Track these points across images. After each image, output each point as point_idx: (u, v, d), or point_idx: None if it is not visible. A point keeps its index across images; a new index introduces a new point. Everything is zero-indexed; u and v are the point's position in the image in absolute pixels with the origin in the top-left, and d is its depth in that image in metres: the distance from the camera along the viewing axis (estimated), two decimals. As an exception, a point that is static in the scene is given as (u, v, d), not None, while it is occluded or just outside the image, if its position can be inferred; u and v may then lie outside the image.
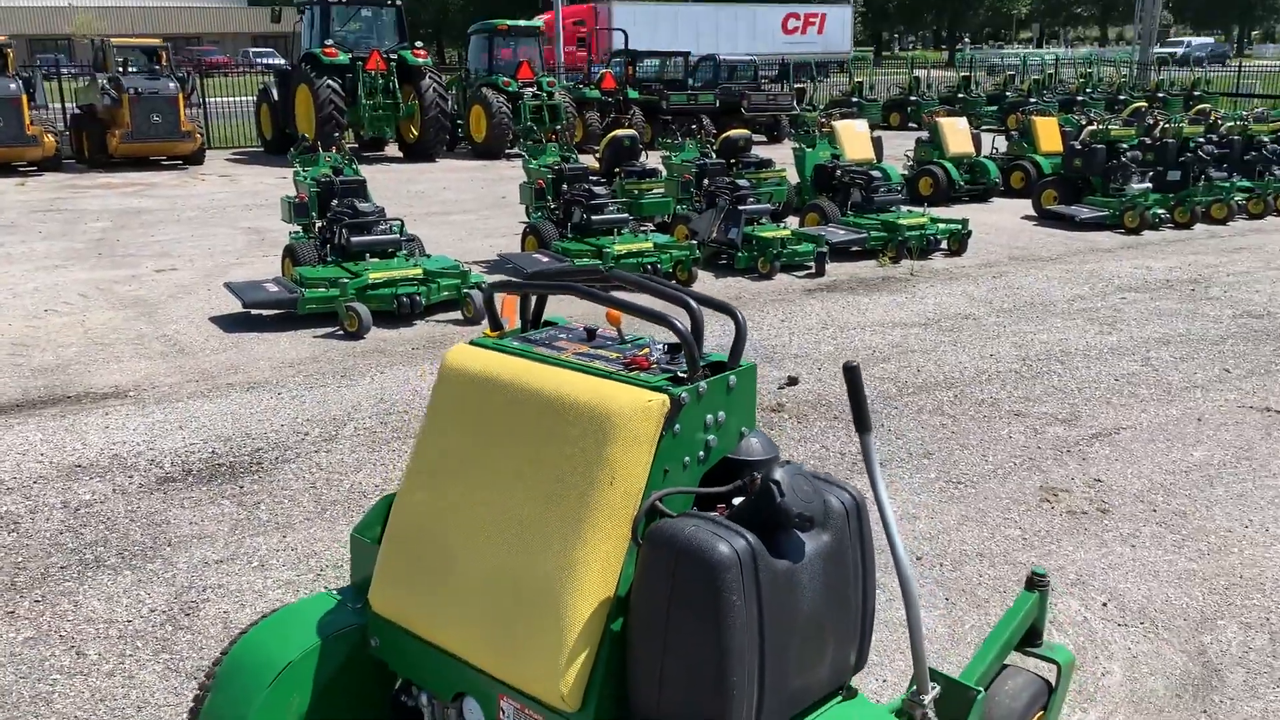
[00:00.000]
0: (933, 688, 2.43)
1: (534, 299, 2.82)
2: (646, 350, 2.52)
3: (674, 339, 2.55)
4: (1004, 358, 8.07)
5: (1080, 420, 6.71)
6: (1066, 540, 5.00)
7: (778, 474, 2.25)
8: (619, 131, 13.63)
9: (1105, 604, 4.42)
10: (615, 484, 2.24)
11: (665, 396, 2.30)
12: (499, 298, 2.84)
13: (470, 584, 2.40)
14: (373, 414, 6.62)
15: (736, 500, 2.29)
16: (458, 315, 9.07)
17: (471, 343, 2.69)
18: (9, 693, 3.65)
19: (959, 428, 6.53)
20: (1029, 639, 3.19)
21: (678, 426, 2.31)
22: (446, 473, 2.51)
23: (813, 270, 11.06)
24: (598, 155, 13.54)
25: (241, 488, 5.47)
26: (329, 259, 9.44)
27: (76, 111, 21.05)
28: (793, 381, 7.26)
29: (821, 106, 27.28)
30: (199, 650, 3.92)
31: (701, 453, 2.39)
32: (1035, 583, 3.19)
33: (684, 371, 2.40)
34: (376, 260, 9.27)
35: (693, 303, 2.43)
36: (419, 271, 9.10)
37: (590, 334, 2.72)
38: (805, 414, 6.48)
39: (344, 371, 7.55)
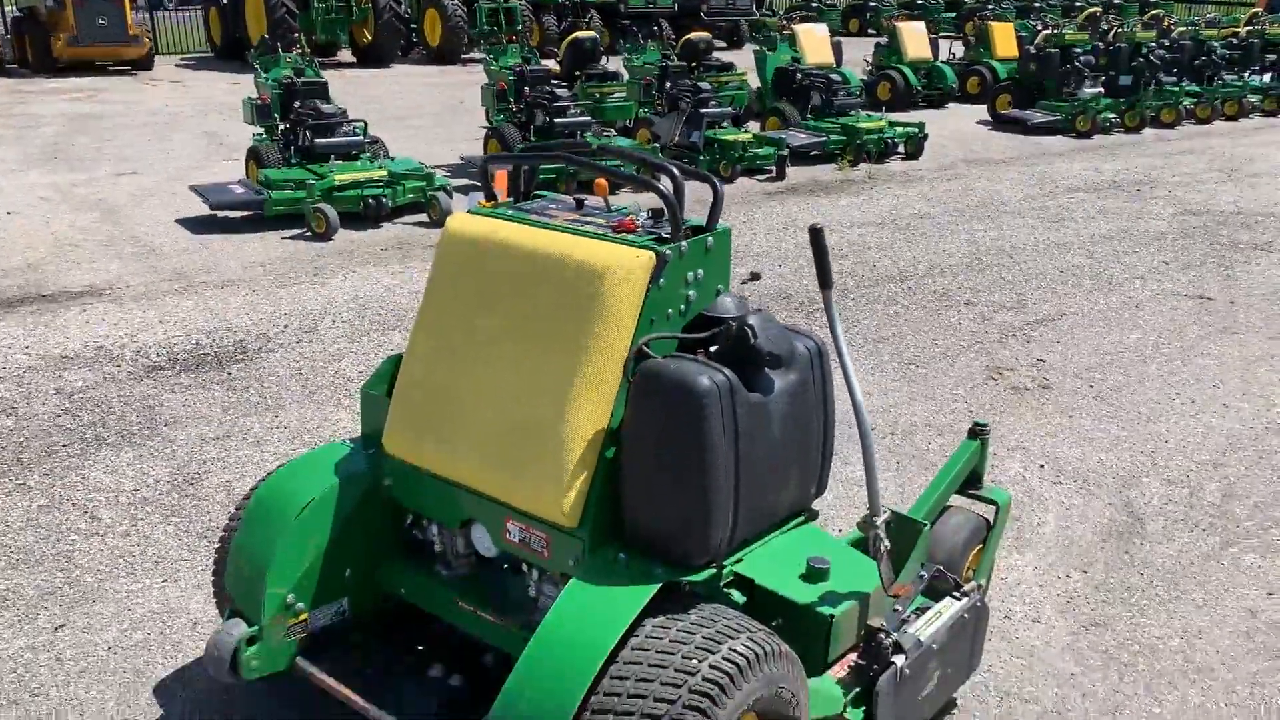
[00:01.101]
0: (884, 510, 2.76)
1: (524, 172, 3.05)
2: (632, 216, 2.77)
3: (656, 208, 2.81)
4: (956, 253, 8.41)
5: (1026, 308, 7.09)
6: (1009, 413, 5.39)
7: (752, 319, 2.55)
8: (579, 34, 13.62)
9: (1043, 466, 4.82)
10: (608, 329, 2.52)
11: (652, 253, 2.57)
12: (492, 170, 3.07)
13: (478, 423, 2.68)
14: (349, 308, 6.83)
15: (714, 348, 2.58)
16: (424, 218, 9.21)
17: (468, 211, 2.93)
18: (32, 551, 3.91)
19: (911, 316, 6.88)
20: (971, 483, 3.56)
21: (662, 280, 2.58)
22: (452, 328, 2.77)
23: (773, 174, 11.27)
24: (558, 59, 13.55)
25: (229, 374, 5.69)
26: (293, 161, 9.50)
27: (17, 14, 20.43)
28: (755, 277, 7.48)
29: (781, 11, 27.11)
30: (206, 515, 4.19)
31: (683, 306, 2.67)
32: (976, 432, 3.54)
33: (667, 233, 2.66)
34: (341, 163, 9.34)
35: (675, 170, 2.69)
36: (384, 173, 9.20)
37: (579, 204, 2.96)
38: (768, 305, 6.78)
39: (315, 270, 7.71)
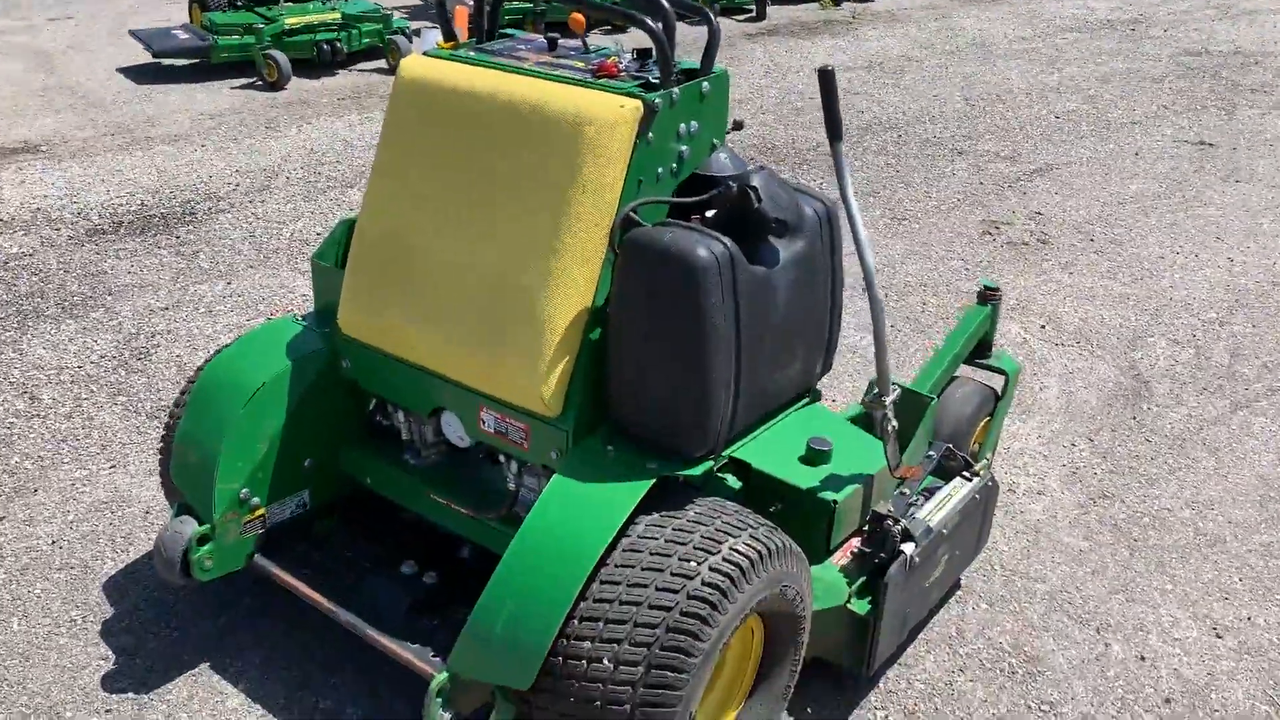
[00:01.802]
0: (893, 389, 2.51)
1: (487, 8, 2.65)
2: (615, 58, 2.41)
3: (642, 48, 2.44)
4: (947, 99, 7.99)
5: (1021, 157, 6.74)
6: (1007, 269, 5.13)
7: (755, 179, 2.23)
8: None
9: (1044, 326, 4.59)
10: (589, 194, 2.19)
11: (638, 102, 2.22)
12: (451, 5, 2.67)
13: (445, 301, 2.38)
14: (303, 165, 6.38)
15: (710, 213, 2.26)
16: (382, 64, 8.63)
17: (425, 54, 2.55)
18: (-34, 437, 3.63)
19: (903, 166, 6.52)
20: (979, 351, 3.31)
21: (651, 135, 2.25)
22: (411, 190, 2.43)
23: (753, 13, 10.65)
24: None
25: (178, 238, 5.30)
26: (240, 4, 8.81)
27: None
28: (737, 126, 7.13)
29: None
30: (156, 392, 3.90)
31: (674, 164, 2.34)
32: (987, 296, 3.28)
33: (656, 78, 2.31)
34: (292, 4, 8.67)
35: (664, 3, 2.31)
36: (338, 16, 8.56)
37: (551, 44, 2.58)
38: (751, 158, 6.39)
39: (268, 123, 7.21)
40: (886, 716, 2.64)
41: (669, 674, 2.01)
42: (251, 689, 2.64)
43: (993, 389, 3.27)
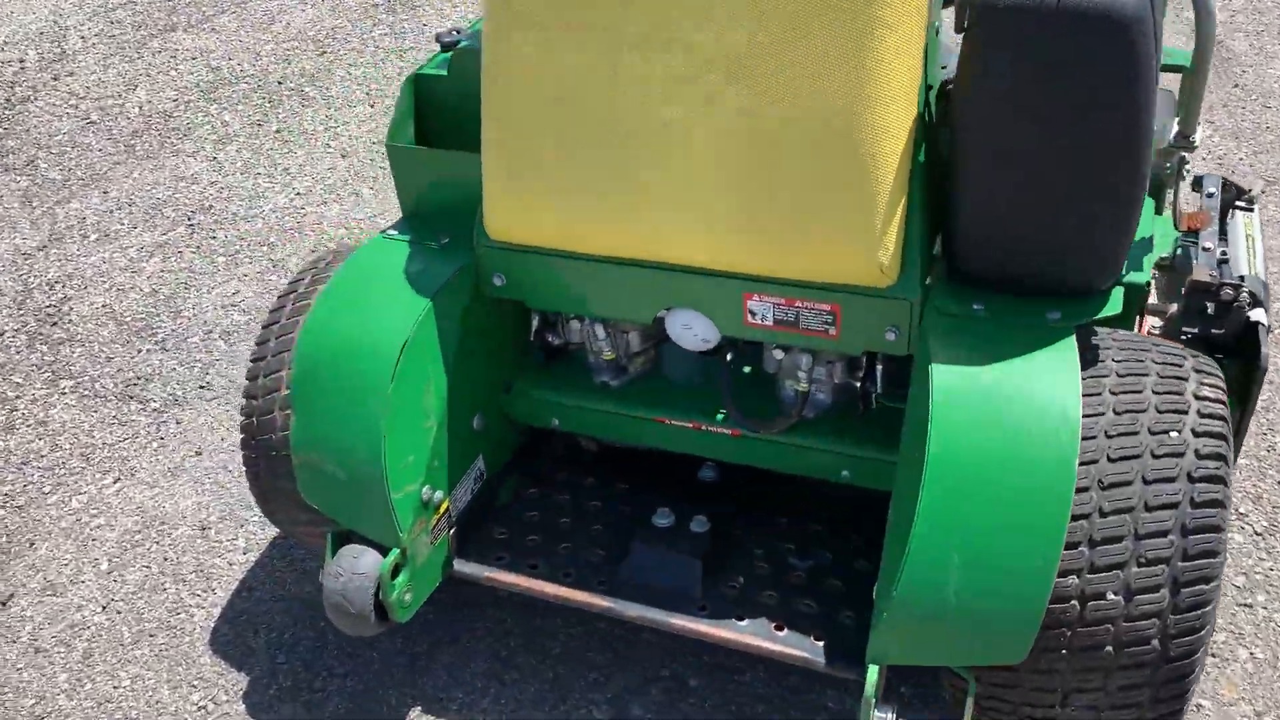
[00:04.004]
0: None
1: None
2: None
3: None
4: None
5: None
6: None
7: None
8: None
9: None
10: None
11: None
12: None
13: (684, 174, 1.62)
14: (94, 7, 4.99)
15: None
16: None
17: None
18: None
19: None
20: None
21: None
22: (601, 32, 1.60)
23: None
24: None
25: (-4, 148, 4.04)
26: None
27: None
28: None
29: None
30: (104, 362, 2.94)
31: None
32: None
33: None
34: None
35: None
36: None
37: None
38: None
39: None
40: None
41: (1200, 587, 1.50)
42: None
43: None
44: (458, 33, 2.07)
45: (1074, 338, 1.58)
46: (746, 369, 2.00)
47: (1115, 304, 1.63)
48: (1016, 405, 1.52)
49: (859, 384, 1.84)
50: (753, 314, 1.75)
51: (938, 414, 1.52)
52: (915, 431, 1.59)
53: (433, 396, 1.84)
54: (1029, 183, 1.53)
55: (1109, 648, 1.51)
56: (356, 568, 1.80)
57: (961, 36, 1.53)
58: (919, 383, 1.62)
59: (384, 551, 1.80)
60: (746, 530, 1.98)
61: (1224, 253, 2.15)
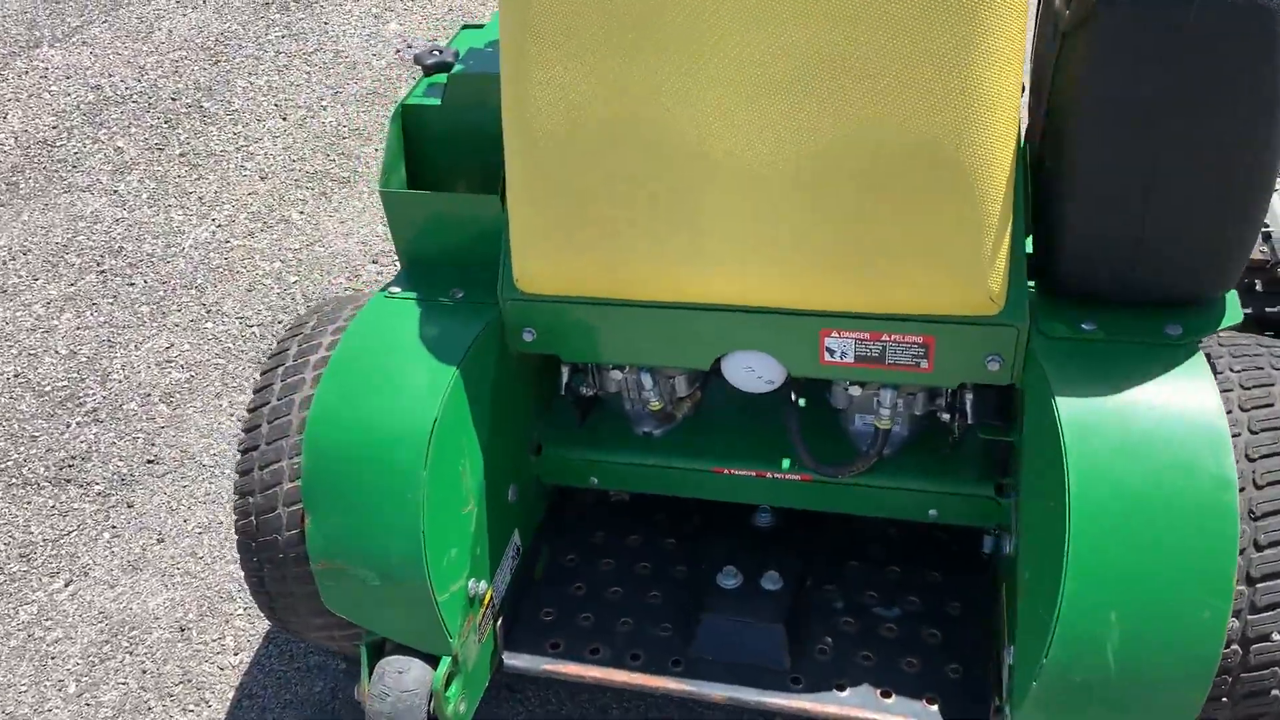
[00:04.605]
0: None
1: None
2: None
3: None
4: None
5: None
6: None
7: None
8: None
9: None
10: None
11: None
12: None
13: (750, 199, 1.41)
14: None
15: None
16: None
17: None
18: None
19: None
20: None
21: None
22: (647, 53, 1.37)
23: None
24: None
25: None
26: None
27: None
28: None
29: None
30: (25, 441, 2.58)
31: None
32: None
33: None
34: None
35: None
36: None
37: None
38: None
39: None
40: None
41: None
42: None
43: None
44: (439, 52, 1.81)
45: (1202, 354, 1.43)
46: (801, 401, 1.82)
47: (1235, 312, 1.50)
48: (1158, 437, 1.37)
49: (945, 416, 1.68)
50: (830, 352, 1.56)
51: (1073, 453, 1.36)
52: (1041, 471, 1.43)
53: (469, 477, 1.61)
54: (1152, 189, 1.37)
55: (1275, 691, 1.38)
56: (404, 684, 1.57)
57: (1061, 36, 1.36)
58: (1034, 414, 1.46)
59: (430, 659, 1.57)
60: (819, 581, 1.80)
61: (1268, 229, 2.05)
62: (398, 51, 3.97)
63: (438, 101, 1.73)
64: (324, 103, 3.74)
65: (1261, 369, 1.51)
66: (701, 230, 1.45)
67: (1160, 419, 1.37)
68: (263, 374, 1.77)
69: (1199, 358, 1.43)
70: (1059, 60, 1.38)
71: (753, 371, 1.64)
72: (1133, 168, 1.36)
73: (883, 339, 1.53)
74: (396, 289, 1.70)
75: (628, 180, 1.44)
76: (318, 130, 3.60)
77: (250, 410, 1.74)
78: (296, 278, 3.00)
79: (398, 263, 1.82)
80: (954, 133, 1.32)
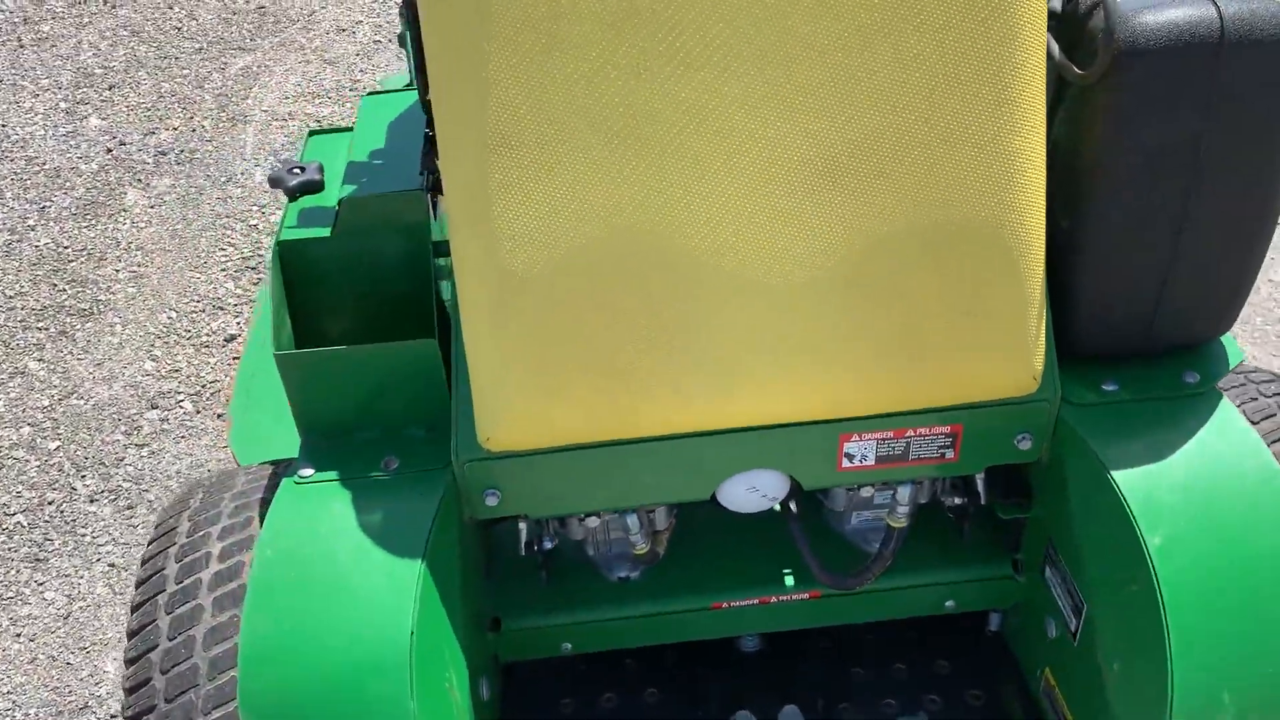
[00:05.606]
0: None
1: None
2: None
3: None
4: None
5: None
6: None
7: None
8: None
9: None
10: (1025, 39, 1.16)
11: None
12: None
13: (759, 313, 1.21)
14: None
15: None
16: None
17: None
18: None
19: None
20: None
21: None
22: (650, 162, 1.13)
23: None
24: None
25: None
26: None
27: None
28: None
29: None
30: None
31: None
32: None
33: None
34: None
35: None
36: None
37: None
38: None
39: None
40: None
41: None
42: None
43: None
44: (299, 170, 1.45)
45: (1227, 399, 1.38)
46: (776, 507, 1.62)
47: (1236, 351, 1.46)
48: (1225, 495, 1.30)
49: (954, 500, 1.54)
50: (849, 458, 1.39)
51: (1148, 527, 1.26)
52: (1106, 552, 1.32)
53: (456, 691, 1.29)
54: (1182, 235, 1.30)
55: None
56: None
57: (1070, 92, 1.26)
58: (1080, 489, 1.36)
59: None
60: (831, 701, 1.62)
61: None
62: (109, 151, 3.40)
63: (325, 231, 1.39)
64: (29, 222, 3.13)
65: (1255, 400, 1.50)
66: (717, 352, 1.22)
67: (1221, 477, 1.31)
68: (135, 610, 1.35)
69: (1226, 403, 1.38)
70: (1069, 116, 1.28)
71: (756, 491, 1.43)
72: (1161, 216, 1.28)
73: (907, 435, 1.37)
74: (308, 471, 1.34)
75: (626, 307, 1.19)
76: (32, 256, 2.99)
77: (131, 662, 1.31)
78: (58, 442, 2.44)
79: (198, 409, 1.45)
80: (997, 211, 1.19)
